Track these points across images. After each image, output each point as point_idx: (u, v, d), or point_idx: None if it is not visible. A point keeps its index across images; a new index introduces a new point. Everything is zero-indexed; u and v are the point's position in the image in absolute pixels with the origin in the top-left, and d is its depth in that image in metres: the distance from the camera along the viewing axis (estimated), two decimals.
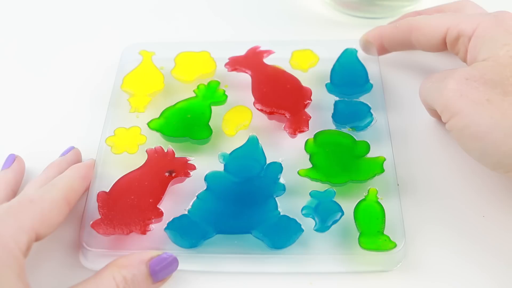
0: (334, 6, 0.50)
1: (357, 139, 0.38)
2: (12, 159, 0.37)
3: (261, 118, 0.40)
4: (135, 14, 0.51)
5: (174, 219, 0.34)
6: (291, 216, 0.34)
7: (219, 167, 0.37)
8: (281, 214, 0.34)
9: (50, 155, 0.37)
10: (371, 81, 0.41)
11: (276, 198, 0.35)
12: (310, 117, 0.39)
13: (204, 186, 0.35)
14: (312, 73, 0.43)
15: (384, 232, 0.33)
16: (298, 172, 0.36)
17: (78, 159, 0.38)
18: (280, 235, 0.33)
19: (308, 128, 0.38)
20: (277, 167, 0.36)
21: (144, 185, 0.35)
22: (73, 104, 0.43)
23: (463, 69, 0.34)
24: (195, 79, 0.42)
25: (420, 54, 0.43)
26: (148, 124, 0.39)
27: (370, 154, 0.37)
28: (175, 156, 0.37)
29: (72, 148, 0.38)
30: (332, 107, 0.40)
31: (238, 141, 0.38)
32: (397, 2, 0.49)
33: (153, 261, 0.31)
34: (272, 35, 0.48)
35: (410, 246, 0.33)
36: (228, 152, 0.37)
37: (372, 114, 0.39)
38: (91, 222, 0.33)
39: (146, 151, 0.37)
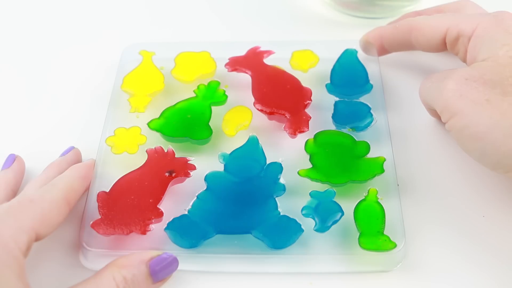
0: (334, 6, 0.50)
1: (357, 140, 0.38)
2: (12, 159, 0.37)
3: (261, 118, 0.40)
4: (135, 14, 0.51)
5: (174, 219, 0.34)
6: (291, 216, 0.34)
7: (219, 167, 0.37)
8: (281, 214, 0.34)
9: (50, 155, 0.37)
10: (371, 82, 0.41)
11: (276, 198, 0.35)
12: (310, 118, 0.39)
13: (204, 186, 0.35)
14: (312, 73, 0.43)
15: (384, 232, 0.33)
16: (298, 172, 0.36)
17: (78, 159, 0.38)
18: (280, 235, 0.33)
19: (308, 128, 0.38)
20: (277, 167, 0.36)
21: (144, 185, 0.35)
22: (73, 104, 0.43)
23: (462, 69, 0.34)
24: (195, 79, 0.42)
25: (420, 54, 0.43)
26: (148, 124, 0.39)
27: (370, 155, 0.37)
28: (175, 156, 0.37)
29: (72, 148, 0.38)
30: (332, 107, 0.40)
31: (238, 141, 0.38)
32: (397, 2, 0.49)
33: (153, 261, 0.31)
34: (272, 35, 0.48)
35: (410, 246, 0.33)
36: (228, 152, 0.37)
37: (372, 115, 0.39)
38: (91, 222, 0.33)
39: (146, 151, 0.37)
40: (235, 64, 0.42)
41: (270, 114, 0.39)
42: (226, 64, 0.43)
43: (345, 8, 0.50)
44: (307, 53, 0.44)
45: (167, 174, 0.36)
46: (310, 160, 0.37)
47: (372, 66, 0.42)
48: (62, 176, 0.34)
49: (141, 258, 0.31)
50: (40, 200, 0.31)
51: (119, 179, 0.36)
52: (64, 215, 0.32)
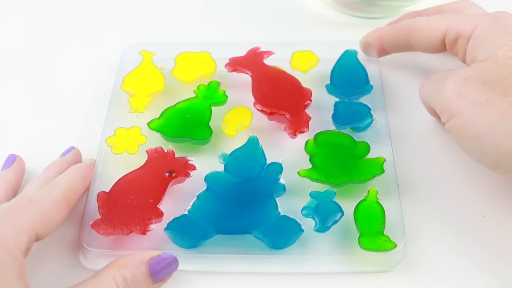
0: (334, 6, 0.50)
1: (357, 140, 0.38)
2: (12, 159, 0.37)
3: (261, 119, 0.40)
4: (135, 14, 0.51)
5: (174, 219, 0.34)
6: (291, 216, 0.34)
7: (219, 167, 0.37)
8: (281, 214, 0.34)
9: (50, 155, 0.37)
10: (371, 83, 0.41)
11: (276, 199, 0.35)
12: (310, 118, 0.39)
13: (204, 186, 0.35)
14: (312, 74, 0.43)
15: (384, 233, 0.33)
16: (298, 173, 0.36)
17: (78, 159, 0.38)
18: (280, 235, 0.33)
19: (308, 128, 0.38)
20: (277, 168, 0.36)
21: (144, 185, 0.35)
22: (73, 104, 0.43)
23: (462, 69, 0.34)
24: (195, 79, 0.42)
25: (420, 55, 0.43)
26: (148, 124, 0.39)
27: (370, 155, 0.37)
28: (175, 156, 0.37)
29: (72, 148, 0.38)
30: (332, 108, 0.40)
31: (238, 142, 0.38)
32: (397, 2, 0.49)
33: (153, 261, 0.31)
34: (273, 35, 0.48)
35: (410, 246, 0.33)
36: (228, 152, 0.37)
37: (372, 115, 0.39)
38: (91, 222, 0.33)
39: (146, 151, 0.37)
40: (235, 64, 0.42)
41: (270, 114, 0.39)
42: (226, 65, 0.43)
43: (345, 8, 0.50)
44: (307, 54, 0.44)
45: (167, 174, 0.36)
46: (310, 160, 0.37)
47: (372, 67, 0.43)
48: (62, 176, 0.34)
49: (141, 258, 0.31)
50: (40, 200, 0.31)
51: (119, 179, 0.36)
52: (64, 215, 0.32)
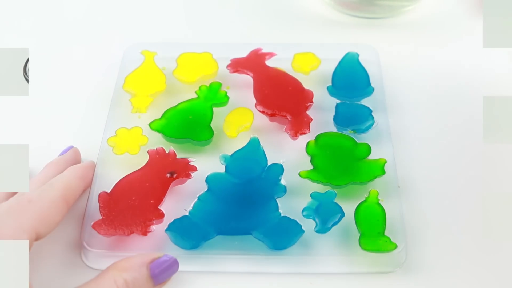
0: (334, 6, 0.50)
1: (358, 142, 0.38)
2: None
3: (263, 120, 0.40)
4: (137, 13, 0.51)
5: (175, 220, 0.34)
6: (292, 217, 0.34)
7: (220, 168, 0.37)
8: (282, 215, 0.34)
9: (51, 155, 0.37)
10: (372, 85, 0.41)
11: (277, 200, 0.35)
12: (312, 119, 0.39)
13: (205, 187, 0.35)
14: (314, 76, 0.43)
15: (385, 234, 0.33)
16: (299, 174, 0.36)
17: (77, 158, 0.38)
18: (281, 236, 0.33)
19: (309, 130, 0.38)
20: (278, 169, 0.36)
21: (145, 186, 0.35)
22: (74, 104, 0.43)
23: None
24: (197, 80, 0.42)
25: (421, 57, 0.43)
26: (149, 125, 0.39)
27: (371, 156, 0.37)
28: (177, 157, 0.37)
29: (71, 147, 0.38)
30: (334, 109, 0.40)
31: (240, 143, 0.38)
32: (397, 2, 0.49)
33: (154, 263, 0.31)
34: (274, 36, 0.48)
35: (411, 247, 0.33)
36: (230, 153, 0.37)
37: (373, 117, 0.39)
38: (92, 223, 0.34)
39: (148, 152, 0.37)
40: (237, 65, 0.42)
41: (271, 115, 0.39)
42: (228, 66, 0.43)
43: (345, 8, 0.50)
44: (308, 56, 0.44)
45: (168, 175, 0.36)
46: (311, 161, 0.37)
47: (374, 69, 0.43)
48: (60, 176, 0.34)
49: (142, 261, 0.31)
50: (39, 199, 0.31)
51: (120, 180, 0.36)
52: (63, 214, 0.32)
